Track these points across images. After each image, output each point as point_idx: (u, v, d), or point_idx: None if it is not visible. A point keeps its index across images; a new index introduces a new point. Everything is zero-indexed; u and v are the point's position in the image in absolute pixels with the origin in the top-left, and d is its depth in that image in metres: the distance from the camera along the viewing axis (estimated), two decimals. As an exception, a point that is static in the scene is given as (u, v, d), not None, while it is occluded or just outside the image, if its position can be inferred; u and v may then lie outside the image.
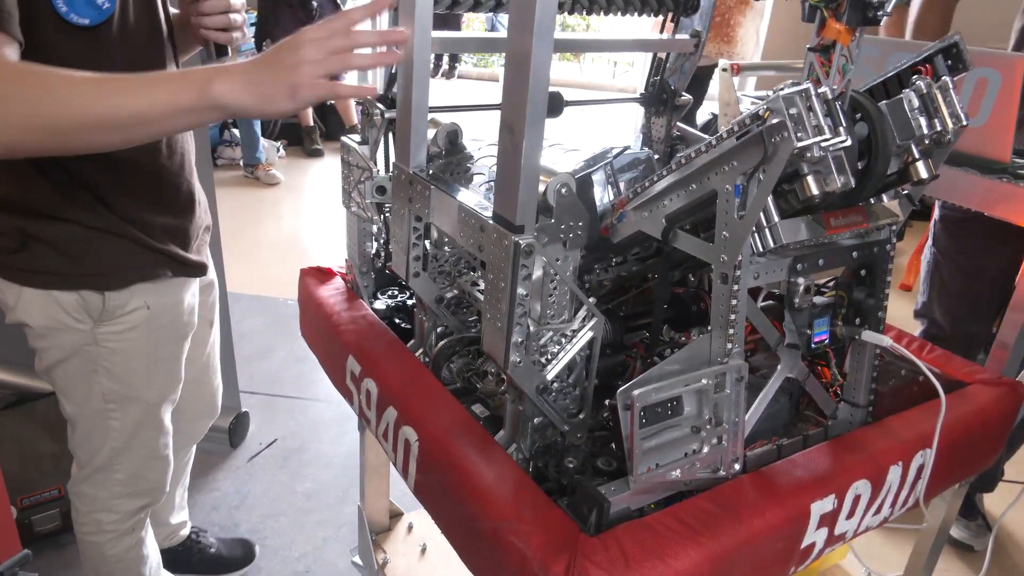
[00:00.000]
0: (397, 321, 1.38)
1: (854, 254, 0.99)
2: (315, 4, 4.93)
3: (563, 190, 0.91)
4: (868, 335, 1.04)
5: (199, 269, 1.34)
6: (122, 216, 1.19)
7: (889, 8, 0.81)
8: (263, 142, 4.95)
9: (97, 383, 1.25)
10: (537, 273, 0.92)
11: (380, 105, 1.26)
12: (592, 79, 9.13)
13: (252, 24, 5.31)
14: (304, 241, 4.16)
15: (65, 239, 1.15)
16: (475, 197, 1.03)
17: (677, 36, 1.49)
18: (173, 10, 1.31)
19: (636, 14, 1.48)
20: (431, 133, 1.17)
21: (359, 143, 1.31)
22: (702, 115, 4.34)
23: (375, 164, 1.29)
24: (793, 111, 0.78)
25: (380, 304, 1.41)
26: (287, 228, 4.33)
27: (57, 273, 1.16)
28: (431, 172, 1.14)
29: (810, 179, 0.81)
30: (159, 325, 1.28)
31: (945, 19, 1.86)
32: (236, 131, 5.05)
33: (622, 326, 1.17)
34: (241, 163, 4.99)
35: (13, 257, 1.16)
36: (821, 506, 0.94)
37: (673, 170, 0.92)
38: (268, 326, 3.14)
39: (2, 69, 0.88)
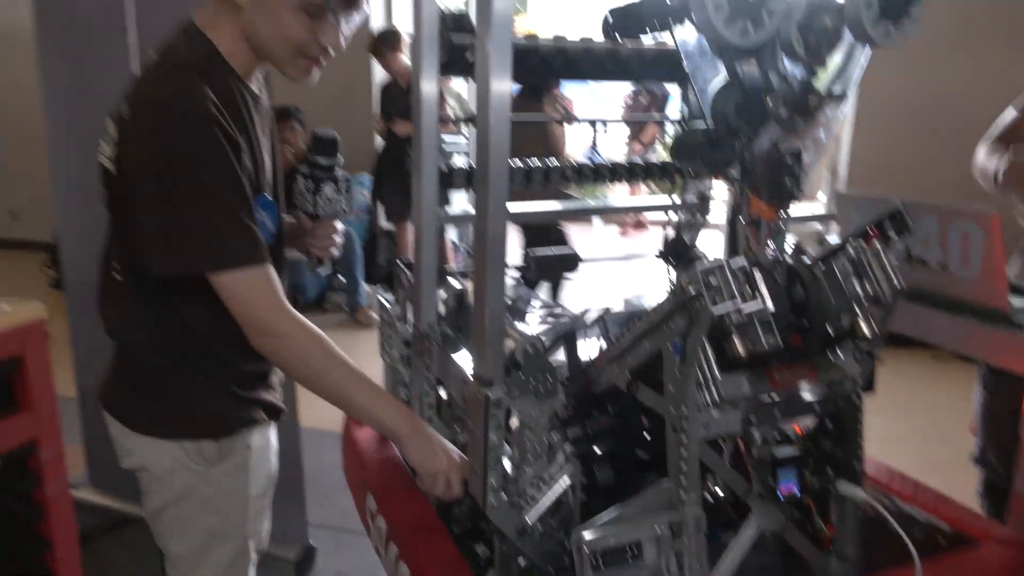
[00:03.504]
0: (423, 462, 1.50)
1: (816, 408, 1.04)
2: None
3: (530, 349, 1.04)
4: (843, 487, 1.05)
5: (281, 413, 1.51)
6: (227, 367, 1.34)
7: (797, 195, 0.92)
8: (364, 287, 5.40)
9: (205, 519, 1.38)
10: (514, 422, 1.04)
11: (407, 270, 1.46)
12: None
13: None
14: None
15: (189, 394, 1.33)
16: (469, 355, 1.17)
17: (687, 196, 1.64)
18: (288, 218, 1.54)
19: (646, 181, 1.65)
20: (442, 294, 1.35)
21: (392, 302, 1.50)
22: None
23: (403, 320, 1.47)
24: (713, 281, 0.88)
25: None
26: (374, 368, 4.59)
27: (185, 424, 1.33)
28: (443, 330, 1.30)
29: (736, 339, 0.90)
30: (257, 463, 1.43)
31: None
32: (342, 278, 5.54)
33: (610, 468, 1.23)
34: (346, 307, 5.44)
35: (145, 413, 1.34)
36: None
37: (631, 330, 1.03)
38: (348, 462, 3.30)
39: (310, 335, 1.19)
